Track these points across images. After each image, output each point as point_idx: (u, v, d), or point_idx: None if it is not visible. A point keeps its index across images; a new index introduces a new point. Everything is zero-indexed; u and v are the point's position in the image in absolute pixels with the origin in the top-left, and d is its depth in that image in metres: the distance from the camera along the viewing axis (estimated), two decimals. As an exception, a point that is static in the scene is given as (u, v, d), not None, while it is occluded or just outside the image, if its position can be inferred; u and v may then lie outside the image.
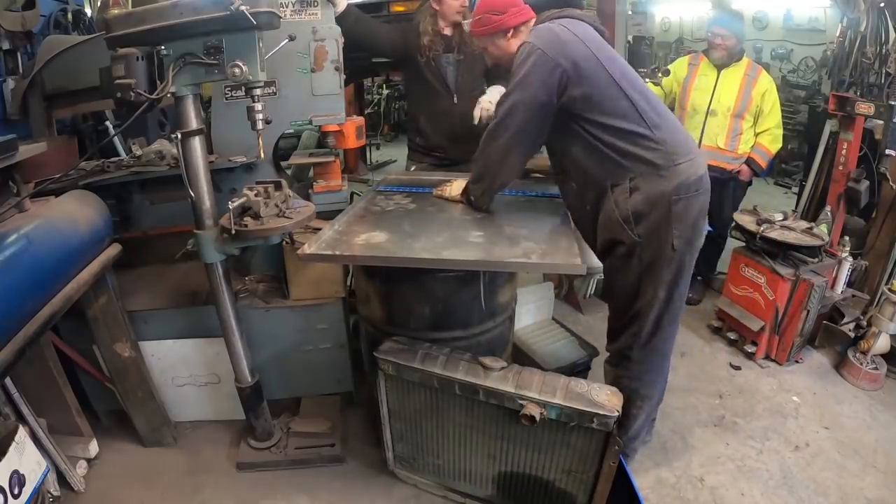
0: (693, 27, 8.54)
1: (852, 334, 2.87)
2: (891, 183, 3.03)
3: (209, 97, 2.53)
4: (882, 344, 2.73)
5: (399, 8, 3.01)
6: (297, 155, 2.71)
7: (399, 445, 2.11)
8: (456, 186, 2.27)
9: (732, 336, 3.12)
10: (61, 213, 1.91)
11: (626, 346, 2.01)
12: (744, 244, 3.04)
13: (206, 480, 2.28)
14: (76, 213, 1.97)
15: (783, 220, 2.97)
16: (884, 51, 3.15)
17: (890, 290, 2.67)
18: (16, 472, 1.62)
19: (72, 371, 2.30)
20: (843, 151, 3.17)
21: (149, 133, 3.53)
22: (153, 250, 2.56)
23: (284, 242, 2.12)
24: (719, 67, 3.24)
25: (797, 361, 2.96)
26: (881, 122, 3.03)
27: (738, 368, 2.94)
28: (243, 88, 1.76)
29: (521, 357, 2.66)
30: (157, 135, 3.55)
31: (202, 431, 2.54)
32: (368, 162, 7.04)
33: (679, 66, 3.43)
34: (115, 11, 2.32)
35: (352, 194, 2.90)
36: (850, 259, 2.95)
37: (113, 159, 2.46)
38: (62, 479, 2.12)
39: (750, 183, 3.43)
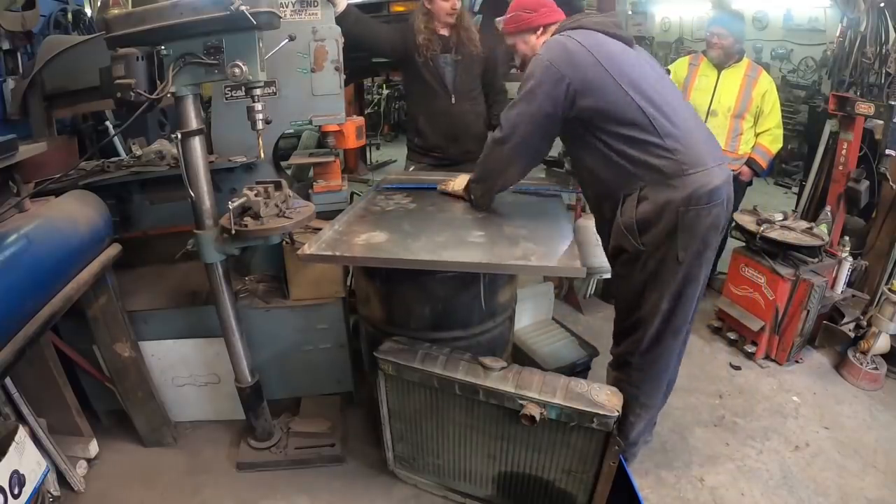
0: (693, 27, 8.53)
1: (852, 334, 2.87)
2: (891, 183, 3.03)
3: (209, 97, 2.53)
4: (882, 344, 2.73)
5: (399, 8, 3.01)
6: (297, 155, 2.71)
7: (399, 445, 2.11)
8: (460, 181, 2.29)
9: (732, 336, 3.13)
10: (61, 213, 1.91)
11: (627, 353, 2.01)
12: (744, 244, 3.04)
13: (206, 480, 2.28)
14: (76, 213, 1.97)
15: (783, 220, 2.97)
16: (884, 51, 3.15)
17: (890, 290, 2.67)
18: (16, 472, 1.62)
19: (72, 371, 2.30)
20: (843, 151, 3.16)
21: (149, 133, 3.52)
22: (153, 250, 2.56)
23: (284, 242, 2.12)
24: (719, 67, 3.24)
25: (797, 361, 2.96)
26: (881, 122, 3.03)
27: (738, 368, 2.95)
28: (243, 88, 1.76)
29: (521, 357, 2.66)
30: (157, 135, 3.55)
31: (202, 431, 2.54)
32: (368, 162, 7.04)
33: (679, 67, 3.43)
34: (115, 11, 2.32)
35: (352, 194, 2.90)
36: (850, 259, 2.95)
37: (113, 159, 2.46)
38: (62, 479, 2.12)
39: (750, 183, 3.43)
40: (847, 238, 2.98)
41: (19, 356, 1.59)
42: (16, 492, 1.60)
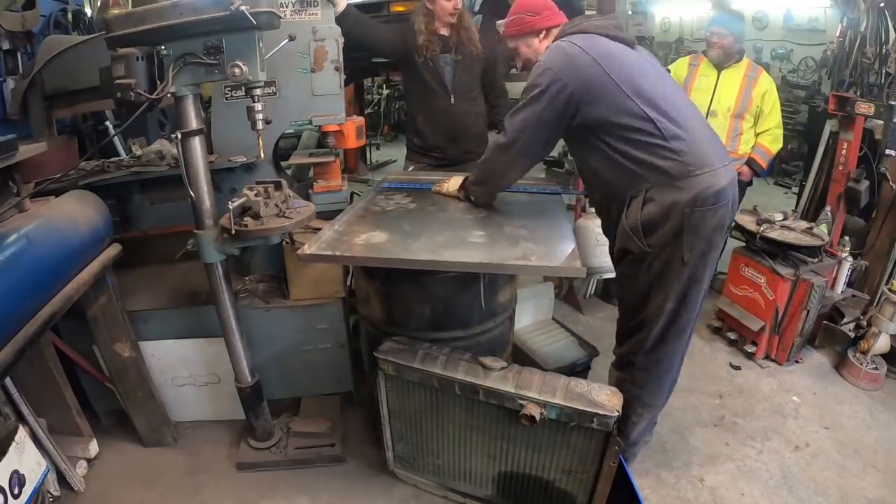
0: (693, 27, 8.54)
1: (852, 334, 2.87)
2: (891, 183, 3.03)
3: (209, 97, 2.53)
4: (882, 344, 2.73)
5: (399, 8, 3.01)
6: (297, 155, 2.71)
7: (399, 445, 2.11)
8: (453, 182, 2.30)
9: (732, 336, 3.13)
10: (61, 213, 1.91)
11: (630, 353, 2.00)
12: (744, 244, 3.04)
13: (206, 480, 2.28)
14: (76, 213, 1.97)
15: (783, 220, 2.97)
16: (884, 51, 3.15)
17: (890, 290, 2.68)
18: (16, 472, 1.62)
19: (72, 371, 2.30)
20: (843, 151, 3.17)
21: (149, 133, 3.52)
22: (153, 250, 2.56)
23: (284, 242, 2.12)
24: (718, 67, 3.24)
25: (797, 361, 2.96)
26: (881, 122, 3.03)
27: (738, 368, 2.95)
28: (243, 88, 1.76)
29: (521, 357, 2.66)
30: (157, 135, 3.55)
31: (202, 431, 2.54)
32: (368, 162, 7.04)
33: (679, 67, 3.43)
34: (115, 11, 2.32)
35: (352, 194, 2.90)
36: (850, 259, 2.95)
37: (113, 159, 2.46)
38: (62, 479, 2.12)
39: (750, 183, 3.43)
40: (847, 238, 2.98)
41: (19, 356, 1.59)
42: (16, 492, 1.60)
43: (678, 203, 1.72)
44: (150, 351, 2.37)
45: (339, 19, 2.31)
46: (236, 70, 1.59)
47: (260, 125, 1.76)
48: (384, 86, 8.39)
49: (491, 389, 1.75)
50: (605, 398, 1.68)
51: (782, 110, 3.44)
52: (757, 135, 3.28)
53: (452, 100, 2.79)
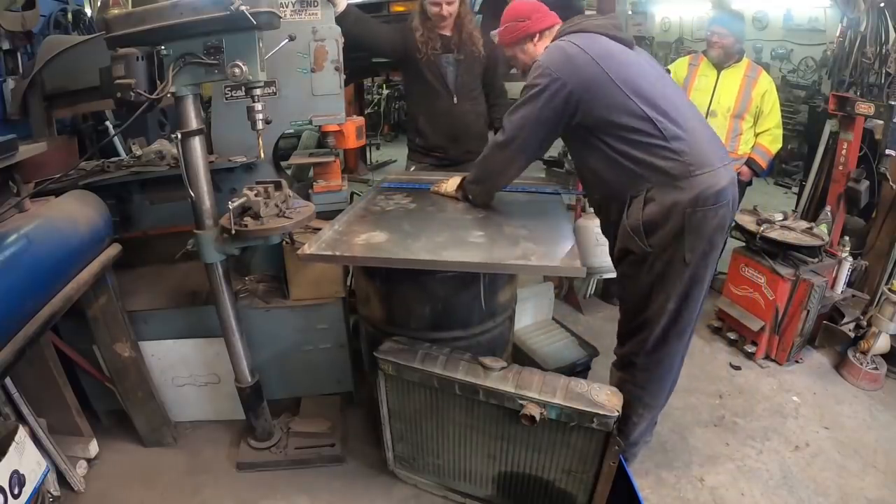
0: (693, 27, 8.54)
1: (852, 334, 2.87)
2: (891, 183, 3.03)
3: (209, 97, 2.53)
4: (882, 344, 2.73)
5: (399, 8, 3.02)
6: (297, 155, 2.71)
7: (399, 445, 2.11)
8: (452, 182, 2.30)
9: (732, 336, 3.13)
10: (61, 213, 1.91)
11: (632, 353, 2.00)
12: (744, 244, 3.04)
13: (206, 480, 2.28)
14: (76, 213, 1.97)
15: (783, 220, 2.97)
16: (884, 51, 3.15)
17: (890, 290, 2.68)
18: (16, 472, 1.62)
19: (72, 371, 2.30)
20: (843, 151, 3.16)
21: (149, 133, 3.53)
22: (153, 250, 2.56)
23: (284, 242, 2.12)
24: (718, 67, 3.24)
25: (797, 361, 2.96)
26: (881, 122, 3.03)
27: (738, 368, 2.95)
28: (243, 88, 1.76)
29: (521, 357, 2.66)
30: (157, 135, 3.55)
31: (202, 431, 2.54)
32: (368, 162, 7.04)
33: (679, 67, 3.43)
34: (115, 11, 2.32)
35: (352, 194, 2.90)
36: (850, 259, 2.95)
37: (113, 159, 2.45)
38: (62, 479, 2.12)
39: (750, 183, 3.43)
40: (847, 238, 2.98)
41: (19, 356, 1.59)
42: (16, 492, 1.60)
43: (679, 203, 1.72)
44: (150, 351, 2.37)
45: (339, 19, 2.31)
46: (236, 70, 1.59)
47: (260, 125, 1.76)
48: (384, 86, 8.39)
49: (491, 389, 1.75)
50: (605, 398, 1.68)
51: (782, 110, 3.44)
52: (757, 135, 3.28)
53: (455, 100, 2.79)
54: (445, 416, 1.91)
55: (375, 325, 2.11)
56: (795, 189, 5.05)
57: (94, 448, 2.32)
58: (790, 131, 5.63)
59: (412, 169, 3.00)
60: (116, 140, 3.28)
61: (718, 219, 1.76)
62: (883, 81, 3.15)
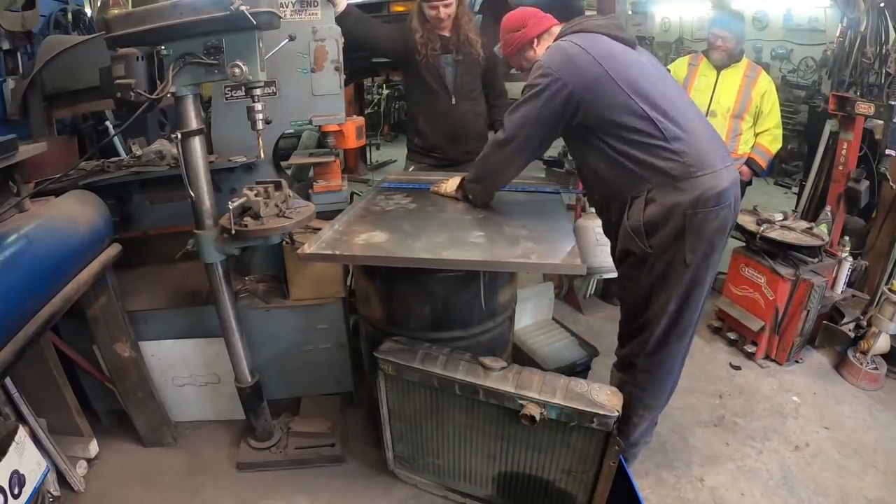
0: (693, 27, 8.54)
1: (852, 334, 2.87)
2: (891, 183, 3.03)
3: (209, 97, 2.53)
4: (882, 344, 2.73)
5: (399, 8, 3.01)
6: (297, 155, 2.71)
7: (399, 445, 2.11)
8: (451, 183, 2.30)
9: (732, 336, 3.13)
10: (61, 213, 1.91)
11: (632, 354, 2.00)
12: (744, 244, 3.04)
13: (206, 480, 2.28)
14: (76, 213, 1.97)
15: (783, 220, 2.97)
16: (884, 51, 3.15)
17: (890, 290, 2.68)
18: (16, 472, 1.62)
19: (72, 371, 2.30)
20: (843, 151, 3.16)
21: (149, 133, 3.53)
22: (153, 250, 2.56)
23: (284, 242, 2.12)
24: (719, 68, 3.24)
25: (797, 361, 2.96)
26: (881, 122, 3.02)
27: (738, 368, 2.95)
28: (243, 88, 1.76)
29: (521, 357, 2.66)
30: (157, 135, 3.55)
31: (202, 431, 2.53)
32: (368, 162, 7.04)
33: (679, 67, 3.43)
34: (115, 11, 2.32)
35: (352, 194, 2.90)
36: (850, 259, 2.95)
37: (113, 159, 2.45)
38: (62, 479, 2.12)
39: (750, 183, 3.42)
40: (847, 238, 2.98)
41: (19, 356, 1.59)
42: (16, 492, 1.60)
43: (680, 204, 1.72)
44: (150, 351, 2.37)
45: (340, 19, 2.31)
46: (236, 70, 1.59)
47: (260, 125, 1.76)
48: (384, 86, 8.39)
49: (491, 389, 1.75)
50: (605, 398, 1.68)
51: (782, 110, 3.44)
52: (756, 135, 3.28)
53: (454, 100, 2.79)
54: (445, 416, 1.91)
55: (375, 325, 2.11)
56: (795, 189, 5.05)
57: (94, 448, 2.32)
58: (790, 131, 5.63)
59: (411, 169, 3.00)
60: (116, 140, 3.28)
61: (719, 220, 1.76)
62: (883, 81, 3.15)
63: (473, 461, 1.97)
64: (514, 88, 2.80)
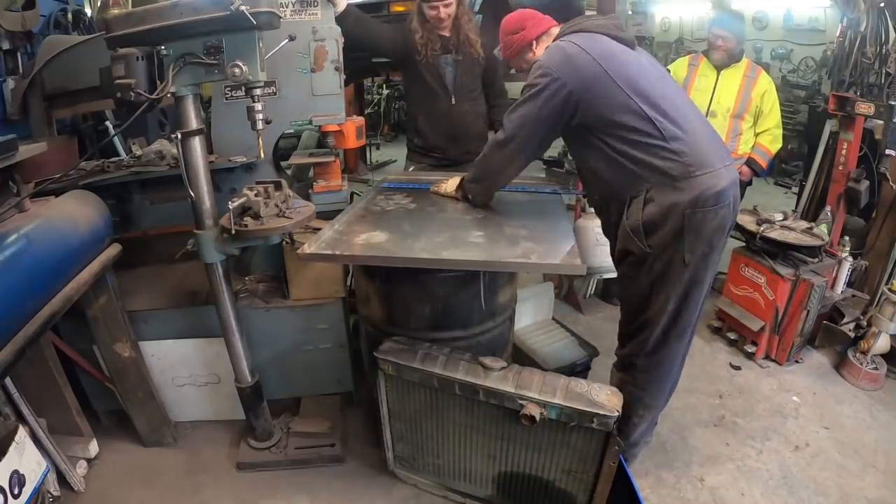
0: (693, 27, 8.54)
1: (852, 334, 2.87)
2: (891, 183, 3.03)
3: (209, 97, 2.53)
4: (882, 344, 2.73)
5: (399, 8, 3.01)
6: (297, 155, 2.71)
7: (399, 445, 2.11)
8: (451, 183, 2.30)
9: (732, 336, 3.13)
10: (61, 213, 1.91)
11: (632, 354, 2.00)
12: (744, 244, 3.04)
13: (206, 480, 2.28)
14: (76, 213, 1.97)
15: (783, 220, 2.97)
16: (884, 51, 3.15)
17: (890, 290, 2.68)
18: (16, 472, 1.62)
19: (72, 371, 2.30)
20: (843, 151, 3.17)
21: (149, 133, 3.53)
22: (153, 250, 2.56)
23: (284, 242, 2.12)
24: (719, 68, 3.24)
25: (797, 361, 2.96)
26: (881, 122, 3.03)
27: (738, 368, 2.95)
28: (243, 88, 1.76)
29: (521, 357, 2.66)
30: (157, 135, 3.55)
31: (202, 431, 2.54)
32: (368, 162, 7.04)
33: (679, 67, 3.43)
34: (115, 11, 2.33)
35: (352, 194, 2.90)
36: (850, 259, 2.95)
37: (113, 159, 2.45)
38: (62, 479, 2.12)
39: (750, 183, 3.43)
40: (847, 238, 2.98)
41: (19, 356, 1.59)
42: (16, 492, 1.60)
43: (678, 204, 1.72)
44: (150, 351, 2.37)
45: (340, 19, 2.31)
46: (236, 70, 1.59)
47: (260, 125, 1.76)
48: (384, 86, 8.39)
49: (491, 389, 1.75)
50: (605, 398, 1.68)
51: (782, 110, 3.44)
52: (756, 135, 3.28)
53: (453, 100, 2.79)
54: (445, 416, 1.91)
55: (375, 325, 2.11)
56: (795, 189, 5.05)
57: (94, 448, 2.32)
58: (790, 131, 5.63)
59: (411, 169, 3.00)
60: (116, 140, 3.28)
61: (718, 220, 1.76)
62: (883, 81, 3.15)
63: (473, 461, 1.97)
64: (514, 88, 2.80)
